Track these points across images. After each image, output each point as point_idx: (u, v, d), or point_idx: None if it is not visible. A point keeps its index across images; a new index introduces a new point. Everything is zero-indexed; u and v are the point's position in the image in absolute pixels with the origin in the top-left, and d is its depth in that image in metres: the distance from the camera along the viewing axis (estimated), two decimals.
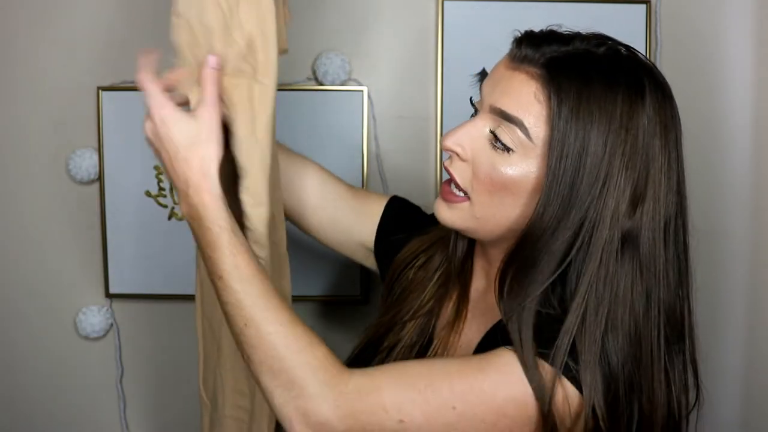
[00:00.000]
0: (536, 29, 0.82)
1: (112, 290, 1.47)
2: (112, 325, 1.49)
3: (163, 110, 0.81)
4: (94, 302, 1.48)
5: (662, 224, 0.78)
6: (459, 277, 0.95)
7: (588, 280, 0.77)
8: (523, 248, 0.80)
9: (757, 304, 1.44)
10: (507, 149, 0.79)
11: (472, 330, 0.92)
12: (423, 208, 1.09)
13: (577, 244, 0.77)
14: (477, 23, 1.39)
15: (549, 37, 0.80)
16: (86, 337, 1.48)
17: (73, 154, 1.43)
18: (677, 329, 0.81)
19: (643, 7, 1.41)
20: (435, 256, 0.98)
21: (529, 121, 0.77)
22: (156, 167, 1.44)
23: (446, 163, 0.84)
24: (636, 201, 0.77)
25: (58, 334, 1.49)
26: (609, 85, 0.76)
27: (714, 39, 1.43)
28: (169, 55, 0.87)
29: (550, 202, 0.77)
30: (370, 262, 1.08)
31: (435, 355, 0.91)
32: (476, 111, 0.85)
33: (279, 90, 1.43)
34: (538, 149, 0.78)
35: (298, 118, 1.43)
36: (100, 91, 1.43)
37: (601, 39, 0.81)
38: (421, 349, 0.93)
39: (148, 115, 0.83)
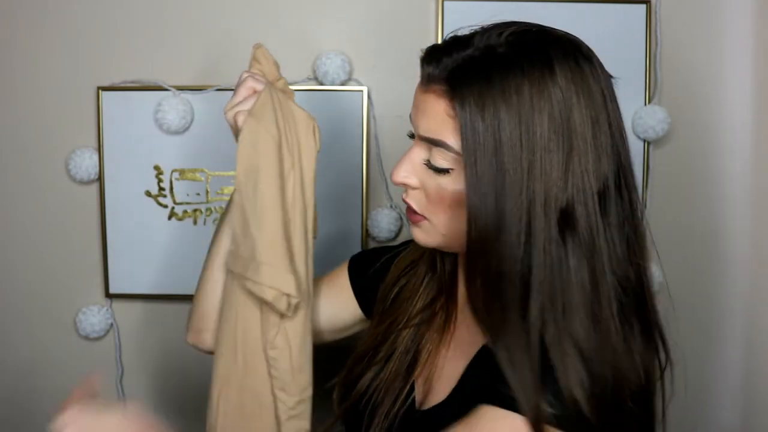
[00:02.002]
0: (439, 41, 0.82)
1: (112, 290, 1.47)
2: (112, 325, 1.49)
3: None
4: (94, 302, 1.48)
5: (596, 194, 0.76)
6: (447, 283, 0.95)
7: (538, 272, 0.75)
8: (475, 259, 0.78)
9: (757, 305, 1.44)
10: (445, 170, 0.79)
11: (462, 332, 0.92)
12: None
13: (522, 239, 0.75)
14: (477, 23, 1.39)
15: (448, 46, 0.79)
16: (86, 337, 1.48)
17: (73, 154, 1.43)
18: (635, 296, 0.79)
19: (643, 7, 1.41)
20: (424, 265, 0.99)
21: (449, 140, 0.77)
22: (156, 167, 1.44)
23: (403, 197, 0.86)
24: (565, 178, 0.75)
25: (58, 334, 1.49)
26: (509, 74, 0.74)
27: (714, 39, 1.43)
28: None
29: (479, 204, 0.76)
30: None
31: (426, 363, 0.91)
32: (413, 136, 0.85)
33: None
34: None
35: None
36: (100, 91, 1.43)
37: (502, 27, 0.79)
38: (414, 356, 0.93)
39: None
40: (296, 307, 0.91)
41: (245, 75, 0.95)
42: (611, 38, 1.41)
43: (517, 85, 0.74)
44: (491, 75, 0.75)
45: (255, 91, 0.93)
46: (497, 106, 0.74)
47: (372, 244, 1.46)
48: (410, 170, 0.83)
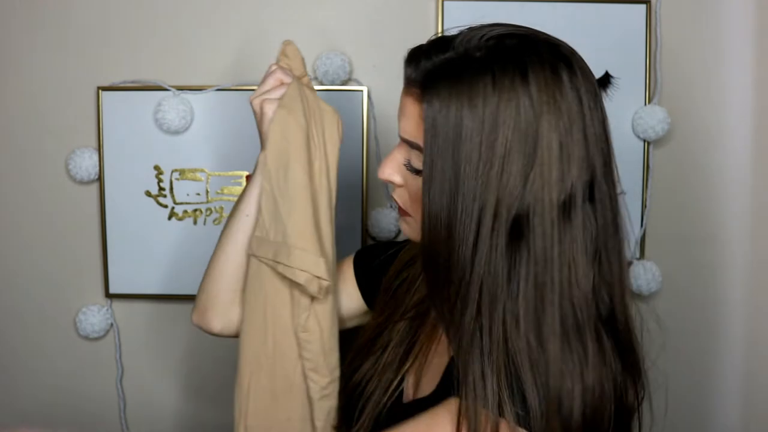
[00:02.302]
0: (425, 43, 0.82)
1: (112, 290, 1.47)
2: (112, 325, 1.49)
3: None
4: (94, 302, 1.48)
5: (557, 206, 0.73)
6: None
7: (476, 279, 0.75)
8: (427, 256, 0.78)
9: (757, 305, 1.44)
10: (422, 172, 0.78)
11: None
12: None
13: (470, 244, 0.74)
14: (475, 23, 1.39)
15: (429, 49, 0.79)
16: (86, 337, 1.48)
17: (73, 154, 1.43)
18: (607, 315, 0.77)
19: (643, 7, 1.41)
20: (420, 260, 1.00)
21: (422, 143, 0.77)
22: (156, 167, 1.44)
23: (391, 192, 0.88)
24: (524, 188, 0.73)
25: (58, 334, 1.49)
26: (479, 79, 0.73)
27: (714, 39, 1.43)
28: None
29: (432, 204, 0.76)
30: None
31: (418, 356, 0.92)
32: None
33: None
34: None
35: None
36: (100, 91, 1.43)
37: (487, 30, 0.78)
38: (409, 346, 0.94)
39: None
40: (327, 290, 0.93)
41: (274, 67, 0.97)
42: (611, 38, 1.41)
43: (485, 90, 0.73)
44: (461, 78, 0.74)
45: (282, 83, 0.96)
46: (461, 109, 0.73)
47: None
48: (394, 168, 0.84)
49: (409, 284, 0.99)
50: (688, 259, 1.47)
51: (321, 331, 0.95)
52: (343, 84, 1.42)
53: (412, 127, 0.79)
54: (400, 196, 0.86)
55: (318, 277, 0.91)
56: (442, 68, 0.76)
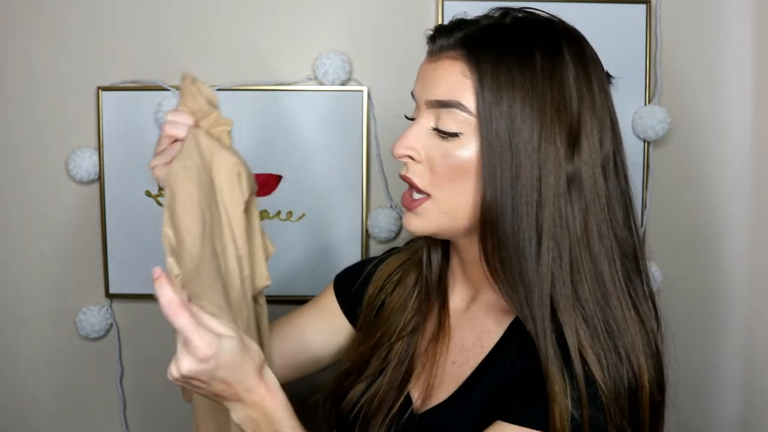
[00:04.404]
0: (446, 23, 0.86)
1: (112, 290, 1.47)
2: (112, 325, 1.49)
3: (211, 348, 0.72)
4: (94, 302, 1.48)
5: (600, 162, 0.80)
6: (437, 290, 0.95)
7: (547, 228, 0.78)
8: (493, 227, 0.80)
9: (757, 305, 1.44)
10: (454, 134, 0.80)
11: (463, 336, 0.91)
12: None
13: (534, 197, 0.78)
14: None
15: (457, 24, 0.83)
16: (86, 337, 1.48)
17: (73, 154, 1.43)
18: (633, 261, 0.83)
19: (643, 7, 1.41)
20: (410, 274, 0.99)
21: (465, 98, 0.79)
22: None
23: (402, 173, 0.85)
24: (573, 145, 0.79)
25: (58, 334, 1.49)
26: (524, 44, 0.79)
27: (714, 39, 1.43)
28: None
29: (494, 166, 0.78)
30: None
31: (425, 369, 0.91)
32: (413, 119, 0.87)
33: (279, 90, 1.44)
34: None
35: (298, 118, 1.43)
36: (100, 91, 1.43)
37: (505, 11, 0.84)
38: (408, 366, 0.93)
39: (185, 363, 0.73)
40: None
41: (167, 118, 0.86)
42: (611, 38, 1.41)
43: (531, 55, 0.78)
44: (506, 43, 0.79)
45: (176, 139, 0.86)
46: (511, 69, 0.78)
47: (372, 244, 1.46)
48: (415, 142, 0.83)
49: (400, 303, 0.97)
50: (688, 259, 1.47)
51: None
52: (343, 84, 1.42)
53: (448, 86, 0.80)
54: (418, 174, 0.84)
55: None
56: (482, 34, 0.80)
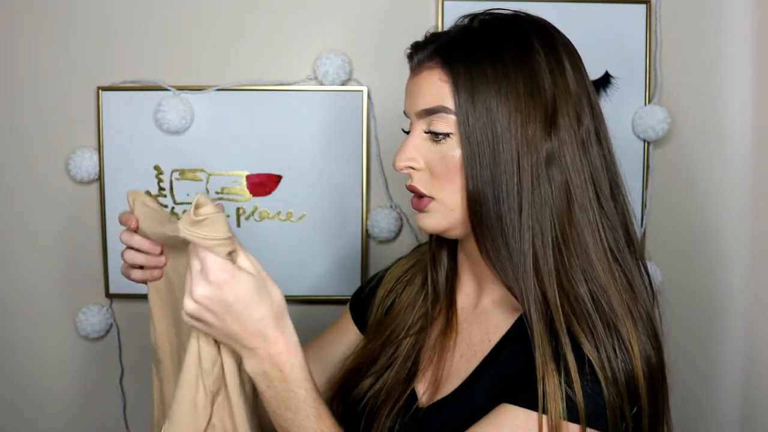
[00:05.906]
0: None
1: (112, 290, 1.47)
2: (112, 325, 1.49)
3: (225, 272, 0.73)
4: (94, 302, 1.48)
5: (580, 139, 0.82)
6: (445, 290, 0.97)
7: (527, 207, 0.80)
8: (479, 216, 0.82)
9: (757, 305, 1.44)
10: (446, 135, 0.83)
11: (471, 332, 0.92)
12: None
13: (515, 183, 0.80)
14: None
15: (431, 38, 0.88)
16: (86, 337, 1.48)
17: (73, 154, 1.43)
18: (624, 232, 0.85)
19: (643, 7, 1.41)
20: (418, 275, 1.01)
21: (446, 101, 0.83)
22: (156, 167, 1.44)
23: (408, 183, 0.89)
24: (550, 125, 0.81)
25: (58, 334, 1.49)
26: (492, 41, 0.83)
27: (714, 39, 1.43)
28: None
29: (474, 158, 0.81)
30: None
31: (432, 364, 0.92)
32: (408, 132, 0.90)
33: (279, 90, 1.44)
34: None
35: (298, 118, 1.43)
36: (100, 91, 1.43)
37: (473, 16, 0.87)
38: (414, 362, 0.94)
39: (198, 287, 0.73)
40: None
41: (124, 235, 0.90)
42: (611, 38, 1.41)
43: (499, 48, 0.82)
44: (474, 42, 0.83)
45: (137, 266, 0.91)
46: (483, 66, 0.81)
47: (372, 244, 1.46)
48: (413, 152, 0.87)
49: (409, 302, 1.00)
50: (688, 259, 1.47)
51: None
52: (343, 84, 1.42)
53: (431, 93, 0.84)
54: (421, 180, 0.87)
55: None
56: (452, 41, 0.85)
